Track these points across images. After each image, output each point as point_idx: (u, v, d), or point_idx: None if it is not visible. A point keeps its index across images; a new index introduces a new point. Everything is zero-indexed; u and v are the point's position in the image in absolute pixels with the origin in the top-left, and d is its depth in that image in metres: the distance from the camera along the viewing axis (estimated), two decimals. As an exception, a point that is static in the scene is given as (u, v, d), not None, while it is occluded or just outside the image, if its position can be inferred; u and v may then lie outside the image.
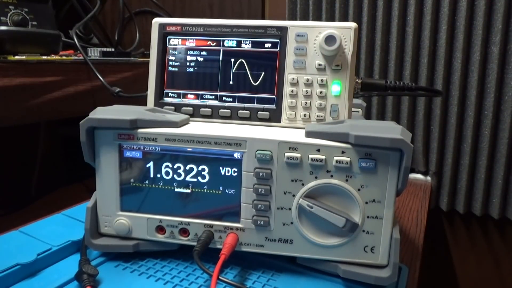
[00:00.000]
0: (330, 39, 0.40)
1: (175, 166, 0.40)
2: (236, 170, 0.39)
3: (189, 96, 0.45)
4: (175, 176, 0.40)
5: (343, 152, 0.37)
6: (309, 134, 0.38)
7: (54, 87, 0.68)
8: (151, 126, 0.40)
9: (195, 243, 0.39)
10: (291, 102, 0.43)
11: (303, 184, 0.38)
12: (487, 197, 0.92)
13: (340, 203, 0.38)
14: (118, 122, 0.39)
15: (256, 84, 0.44)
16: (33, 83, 0.65)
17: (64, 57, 0.75)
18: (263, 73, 0.44)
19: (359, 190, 0.37)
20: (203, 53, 0.45)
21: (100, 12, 1.12)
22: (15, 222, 0.49)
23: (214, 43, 0.44)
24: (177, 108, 0.45)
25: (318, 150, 0.37)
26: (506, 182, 0.90)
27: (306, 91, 0.42)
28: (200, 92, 0.45)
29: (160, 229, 0.41)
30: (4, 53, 0.66)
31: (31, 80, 0.65)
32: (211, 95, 0.45)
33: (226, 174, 0.39)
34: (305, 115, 0.43)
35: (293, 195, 0.38)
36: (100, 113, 0.40)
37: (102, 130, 0.40)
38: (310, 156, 0.37)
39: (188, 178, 0.40)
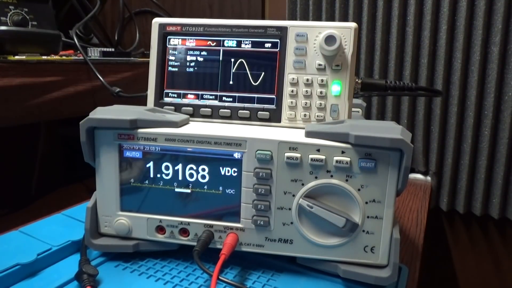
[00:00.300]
0: (330, 39, 0.40)
1: (175, 166, 0.40)
2: (236, 170, 0.39)
3: (189, 96, 0.45)
4: (175, 176, 0.40)
5: (343, 152, 0.37)
6: (309, 134, 0.38)
7: (54, 87, 0.68)
8: (151, 126, 0.40)
9: (195, 243, 0.39)
10: (291, 102, 0.43)
11: (303, 184, 0.38)
12: (487, 197, 0.92)
13: (340, 203, 0.38)
14: (118, 122, 0.39)
15: (256, 84, 0.44)
16: (33, 83, 0.65)
17: (64, 57, 0.75)
18: (263, 73, 0.44)
19: (359, 190, 0.37)
20: (203, 53, 0.45)
21: (100, 12, 1.12)
22: (15, 222, 0.49)
23: (214, 43, 0.44)
24: (177, 108, 0.45)
25: (318, 150, 0.37)
26: (506, 182, 0.90)
27: (306, 91, 0.42)
28: (200, 92, 0.45)
29: (160, 229, 0.41)
30: (4, 53, 0.66)
31: (31, 80, 0.65)
32: (211, 95, 0.45)
33: (226, 174, 0.39)
34: (305, 115, 0.43)
35: (293, 195, 0.38)
36: (100, 113, 0.40)
37: (102, 130, 0.40)
38: (310, 156, 0.37)
39: (188, 178, 0.40)
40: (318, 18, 0.99)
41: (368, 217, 0.37)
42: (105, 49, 0.85)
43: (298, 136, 0.38)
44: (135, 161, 0.41)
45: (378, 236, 0.38)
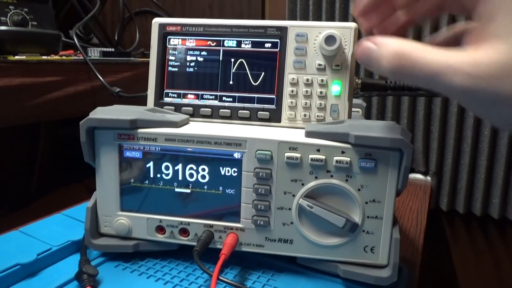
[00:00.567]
0: (330, 39, 0.40)
1: (175, 166, 0.40)
2: (236, 170, 0.39)
3: (189, 96, 0.45)
4: (175, 176, 0.40)
5: (343, 152, 0.37)
6: (309, 134, 0.38)
7: (54, 87, 0.68)
8: (151, 126, 0.40)
9: (195, 243, 0.39)
10: (291, 102, 0.43)
11: (303, 184, 0.38)
12: (487, 197, 0.92)
13: (340, 203, 0.38)
14: (118, 122, 0.39)
15: (256, 84, 0.44)
16: (33, 83, 0.65)
17: (64, 57, 0.75)
18: (263, 73, 0.44)
19: (359, 190, 0.37)
20: (203, 53, 0.45)
21: (100, 12, 1.12)
22: (15, 222, 0.49)
23: (214, 43, 0.44)
24: (177, 108, 0.45)
25: (318, 150, 0.37)
26: (506, 182, 0.90)
27: (306, 91, 0.42)
28: (200, 92, 0.45)
29: (160, 229, 0.41)
30: (4, 53, 0.66)
31: (31, 80, 0.65)
32: (211, 95, 0.45)
33: (226, 174, 0.39)
34: (305, 115, 0.43)
35: (293, 195, 0.38)
36: (100, 113, 0.40)
37: (102, 130, 0.40)
38: (310, 156, 0.37)
39: (188, 178, 0.40)
40: (318, 18, 0.99)
41: (368, 217, 0.37)
42: (105, 49, 0.85)
43: (298, 136, 0.38)
44: (135, 161, 0.41)
45: (378, 236, 0.38)
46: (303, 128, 0.39)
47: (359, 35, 0.41)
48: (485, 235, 0.99)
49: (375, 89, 0.48)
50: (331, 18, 0.98)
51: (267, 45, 0.43)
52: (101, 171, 0.41)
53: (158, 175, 0.40)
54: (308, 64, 0.42)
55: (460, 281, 1.04)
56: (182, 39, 0.45)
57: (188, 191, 0.40)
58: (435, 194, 0.97)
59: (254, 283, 0.39)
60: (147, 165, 0.40)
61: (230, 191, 0.40)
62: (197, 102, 0.45)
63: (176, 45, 0.45)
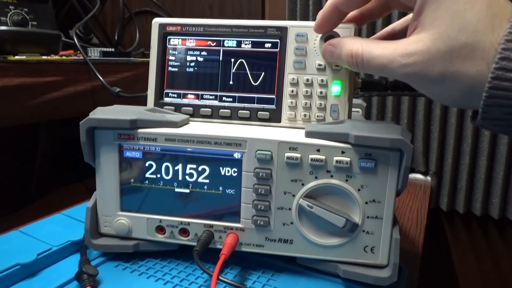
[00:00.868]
0: (330, 39, 0.40)
1: (175, 166, 0.40)
2: (236, 170, 0.39)
3: (189, 96, 0.45)
4: (175, 176, 0.40)
5: (343, 152, 0.37)
6: (309, 134, 0.38)
7: (54, 87, 0.69)
8: (151, 126, 0.40)
9: (195, 243, 0.39)
10: (291, 102, 0.43)
11: (303, 184, 0.38)
12: (487, 197, 0.92)
13: (340, 203, 0.38)
14: (118, 122, 0.39)
15: (256, 84, 0.44)
16: (33, 83, 0.65)
17: (64, 57, 0.75)
18: (263, 73, 0.44)
19: (359, 190, 0.37)
20: (203, 53, 0.45)
21: (100, 12, 1.12)
22: (15, 222, 0.49)
23: (214, 43, 0.44)
24: (177, 108, 0.45)
25: (318, 150, 0.37)
26: (506, 182, 0.90)
27: (306, 91, 0.42)
28: (200, 92, 0.45)
29: (160, 229, 0.41)
30: (4, 53, 0.66)
31: (31, 80, 0.65)
32: (211, 95, 0.45)
33: (226, 174, 0.39)
34: (305, 115, 0.43)
35: (293, 195, 0.38)
36: (100, 113, 0.40)
37: (102, 130, 0.40)
38: (310, 156, 0.37)
39: (188, 178, 0.40)
40: (318, 18, 0.99)
41: (368, 217, 0.37)
42: (105, 49, 0.85)
43: (298, 136, 0.38)
44: (135, 161, 0.41)
45: (378, 236, 0.38)
46: (303, 128, 0.39)
47: (359, 35, 0.41)
48: (485, 235, 0.99)
49: (375, 89, 0.48)
50: (331, 18, 0.97)
51: (267, 45, 0.43)
52: (101, 171, 0.41)
53: (158, 175, 0.40)
54: (308, 64, 0.42)
55: (460, 281, 1.04)
56: (182, 39, 0.45)
57: (188, 191, 0.40)
58: (435, 194, 0.97)
59: (254, 283, 0.39)
60: (147, 165, 0.40)
61: (230, 191, 0.40)
62: (197, 102, 0.45)
63: (176, 45, 0.45)
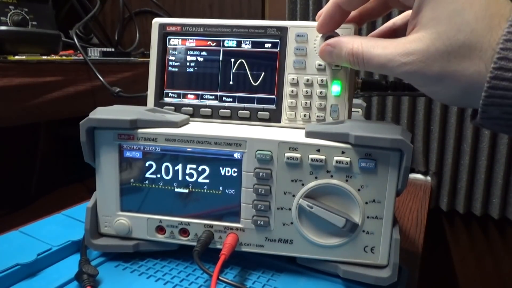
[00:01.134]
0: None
1: (175, 166, 0.40)
2: (236, 170, 0.39)
3: (189, 96, 0.45)
4: (175, 176, 0.40)
5: (343, 152, 0.37)
6: (309, 134, 0.38)
7: (54, 87, 0.69)
8: (151, 126, 0.40)
9: (195, 243, 0.39)
10: (291, 102, 0.43)
11: (303, 184, 0.38)
12: (487, 197, 0.92)
13: (340, 203, 0.38)
14: (118, 122, 0.39)
15: (256, 84, 0.44)
16: (33, 83, 0.65)
17: (64, 57, 0.75)
18: (263, 73, 0.44)
19: (359, 190, 0.37)
20: (203, 53, 0.45)
21: (100, 12, 1.12)
22: (15, 222, 0.49)
23: (214, 43, 0.44)
24: (177, 108, 0.45)
25: (318, 150, 0.37)
26: (506, 182, 0.90)
27: (306, 91, 0.42)
28: (200, 92, 0.45)
29: (160, 229, 0.41)
30: (4, 53, 0.66)
31: (31, 80, 0.65)
32: (211, 95, 0.45)
33: (226, 174, 0.39)
34: (305, 115, 0.43)
35: (293, 195, 0.38)
36: (100, 113, 0.40)
37: (102, 130, 0.40)
38: (310, 156, 0.37)
39: (188, 178, 0.40)
40: (318, 18, 0.99)
41: (368, 217, 0.37)
42: (105, 49, 0.85)
43: (298, 136, 0.38)
44: (135, 161, 0.41)
45: (378, 236, 0.38)
46: (303, 128, 0.39)
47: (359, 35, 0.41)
48: (485, 235, 0.99)
49: (375, 89, 0.48)
50: (331, 18, 0.97)
51: (267, 45, 0.43)
52: (101, 171, 0.41)
53: (158, 175, 0.40)
54: (308, 64, 0.42)
55: (460, 281, 1.04)
56: (182, 39, 0.45)
57: (188, 191, 0.40)
58: (435, 194, 0.97)
59: (254, 283, 0.39)
60: (147, 165, 0.40)
61: (230, 191, 0.40)
62: (197, 102, 0.45)
63: (176, 45, 0.45)
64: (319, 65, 0.42)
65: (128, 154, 0.41)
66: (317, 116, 0.43)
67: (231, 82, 0.44)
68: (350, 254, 0.38)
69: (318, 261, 0.39)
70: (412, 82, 0.33)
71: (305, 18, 1.00)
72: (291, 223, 0.39)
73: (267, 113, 0.43)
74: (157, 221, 0.41)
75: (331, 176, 0.37)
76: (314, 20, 0.98)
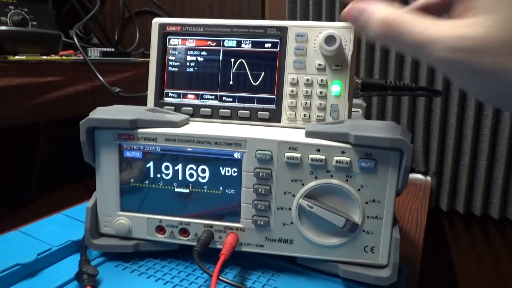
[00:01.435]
0: (330, 39, 0.40)
1: (175, 166, 0.40)
2: (236, 170, 0.39)
3: (189, 96, 0.45)
4: (175, 176, 0.40)
5: (343, 152, 0.37)
6: (309, 134, 0.38)
7: (54, 87, 0.69)
8: (151, 126, 0.40)
9: (195, 243, 0.39)
10: (291, 102, 0.43)
11: (303, 184, 0.38)
12: (487, 197, 0.92)
13: (340, 203, 0.38)
14: (118, 122, 0.39)
15: (256, 84, 0.44)
16: (33, 83, 0.65)
17: (64, 57, 0.75)
18: (263, 73, 0.44)
19: (359, 190, 0.37)
20: (203, 53, 0.45)
21: (100, 12, 1.12)
22: (15, 222, 0.49)
23: (214, 43, 0.44)
24: (177, 108, 0.45)
25: (318, 150, 0.37)
26: (506, 182, 0.90)
27: (306, 91, 0.42)
28: (200, 92, 0.45)
29: (160, 229, 0.41)
30: (4, 53, 0.66)
31: (31, 80, 0.65)
32: (211, 95, 0.45)
33: (226, 174, 0.39)
34: (305, 115, 0.43)
35: (293, 195, 0.38)
36: (100, 113, 0.40)
37: (102, 130, 0.40)
38: (310, 156, 0.37)
39: (188, 178, 0.40)
40: (318, 18, 0.99)
41: (368, 217, 0.37)
42: (105, 49, 0.85)
43: (298, 136, 0.38)
44: (135, 161, 0.41)
45: (378, 236, 0.38)
46: (303, 128, 0.39)
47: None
48: (485, 235, 0.99)
49: (375, 89, 0.48)
50: (331, 18, 0.98)
51: (267, 45, 0.43)
52: (101, 171, 0.41)
53: (158, 175, 0.40)
54: (308, 64, 0.42)
55: (460, 281, 1.04)
56: (182, 39, 0.45)
57: (188, 191, 0.40)
58: (435, 194, 0.97)
59: (254, 283, 0.39)
60: (147, 165, 0.40)
61: (230, 191, 0.40)
62: (197, 102, 0.45)
63: (176, 45, 0.45)
64: (319, 65, 0.42)
65: (128, 154, 0.40)
66: (317, 116, 0.43)
67: (231, 82, 0.44)
68: (350, 254, 0.38)
69: (318, 261, 0.39)
70: (450, 73, 0.28)
71: (305, 18, 1.00)
72: (291, 223, 0.39)
73: (267, 113, 0.43)
74: (157, 221, 0.41)
75: (331, 176, 0.37)
76: (314, 20, 0.99)
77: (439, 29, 0.26)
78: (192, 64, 0.45)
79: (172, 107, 0.45)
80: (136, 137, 0.40)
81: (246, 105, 0.44)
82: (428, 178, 0.97)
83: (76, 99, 0.72)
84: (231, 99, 0.44)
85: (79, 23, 0.89)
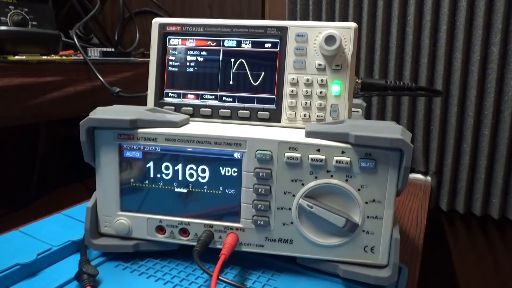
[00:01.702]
0: (330, 39, 0.40)
1: (175, 166, 0.40)
2: (236, 170, 0.39)
3: (189, 96, 0.45)
4: (175, 176, 0.40)
5: (343, 152, 0.37)
6: (309, 134, 0.38)
7: (54, 87, 0.69)
8: (151, 126, 0.40)
9: (195, 243, 0.39)
10: (291, 102, 0.43)
11: (303, 184, 0.38)
12: (487, 197, 0.92)
13: (340, 203, 0.38)
14: (118, 122, 0.39)
15: (256, 84, 0.44)
16: (33, 83, 0.65)
17: (64, 57, 0.75)
18: (263, 73, 0.44)
19: (359, 190, 0.37)
20: (203, 53, 0.45)
21: (100, 12, 1.12)
22: (15, 222, 0.49)
23: (214, 43, 0.44)
24: (177, 108, 0.45)
25: (318, 150, 0.37)
26: (506, 182, 0.90)
27: (306, 91, 0.42)
28: (200, 92, 0.45)
29: (160, 229, 0.41)
30: (4, 53, 0.66)
31: (31, 80, 0.65)
32: (211, 95, 0.45)
33: (226, 174, 0.39)
34: (305, 115, 0.43)
35: (293, 195, 0.38)
36: (100, 113, 0.40)
37: (102, 130, 0.40)
38: (310, 156, 0.37)
39: (188, 178, 0.40)
40: (318, 18, 0.99)
41: (368, 217, 0.37)
42: (105, 49, 0.85)
43: (298, 136, 0.38)
44: (135, 161, 0.41)
45: (378, 236, 0.38)
46: (303, 128, 0.39)
47: (359, 35, 0.41)
48: (485, 235, 0.99)
49: (375, 89, 0.48)
50: (331, 18, 0.98)
51: (267, 45, 0.43)
52: (101, 171, 0.41)
53: (158, 175, 0.40)
54: (308, 64, 0.42)
55: (460, 281, 1.04)
56: (182, 39, 0.45)
57: (188, 191, 0.40)
58: (435, 194, 0.97)
59: (254, 283, 0.39)
60: (147, 165, 0.40)
61: (230, 191, 0.40)
62: (197, 102, 0.45)
63: (176, 45, 0.45)
64: (319, 65, 0.42)
65: (128, 154, 0.41)
66: (317, 116, 0.43)
67: (231, 82, 0.44)
68: (350, 254, 0.38)
69: (318, 261, 0.39)
70: None
71: (305, 18, 1.00)
72: (291, 223, 0.39)
73: (267, 113, 0.43)
74: (157, 221, 0.41)
75: (331, 176, 0.37)
76: (314, 20, 0.99)
77: None
78: (192, 64, 0.45)
79: (172, 107, 0.45)
80: (136, 137, 0.40)
81: (246, 105, 0.44)
82: (428, 178, 0.97)
83: (76, 99, 0.72)
84: (231, 99, 0.44)
85: (79, 23, 0.89)
